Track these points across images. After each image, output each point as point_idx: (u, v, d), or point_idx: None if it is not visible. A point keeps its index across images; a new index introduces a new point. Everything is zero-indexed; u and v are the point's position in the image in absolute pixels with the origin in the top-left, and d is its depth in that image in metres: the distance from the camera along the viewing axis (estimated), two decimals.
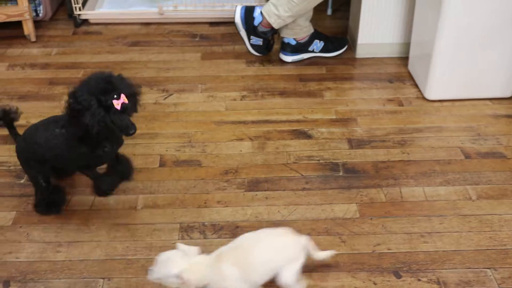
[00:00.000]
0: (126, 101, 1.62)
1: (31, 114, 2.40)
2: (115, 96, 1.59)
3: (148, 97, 2.51)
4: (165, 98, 2.52)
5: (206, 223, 1.86)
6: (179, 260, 1.45)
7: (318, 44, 2.75)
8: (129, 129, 1.63)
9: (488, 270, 1.66)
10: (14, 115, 1.83)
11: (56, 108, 2.45)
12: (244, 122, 2.34)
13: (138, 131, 2.24)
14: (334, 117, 2.35)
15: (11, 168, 2.09)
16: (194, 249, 1.50)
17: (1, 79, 2.66)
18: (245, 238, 1.56)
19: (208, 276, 1.46)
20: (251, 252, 1.51)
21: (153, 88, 2.59)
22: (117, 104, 1.59)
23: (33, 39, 2.98)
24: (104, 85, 1.59)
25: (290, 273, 1.51)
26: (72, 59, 2.85)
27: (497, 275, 1.64)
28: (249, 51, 2.81)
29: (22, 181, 2.03)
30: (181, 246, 1.49)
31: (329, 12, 3.21)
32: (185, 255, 1.47)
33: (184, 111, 2.43)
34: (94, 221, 1.87)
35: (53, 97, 2.54)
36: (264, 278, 1.51)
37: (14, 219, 1.87)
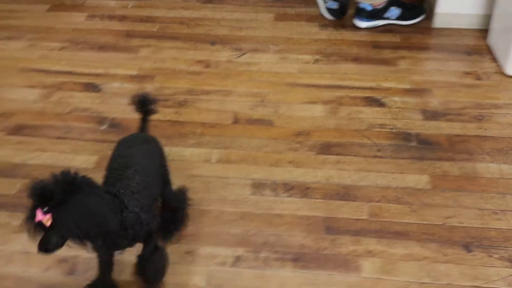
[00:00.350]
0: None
1: (109, 64, 2.49)
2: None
3: (221, 55, 2.55)
4: (238, 56, 2.55)
5: (277, 182, 1.90)
6: None
7: (394, 11, 2.71)
8: None
9: None
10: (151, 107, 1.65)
11: (133, 59, 2.53)
12: (317, 86, 2.34)
13: (212, 87, 2.33)
14: (408, 86, 2.33)
15: (93, 114, 2.18)
16: None
17: (81, 29, 2.75)
18: None
19: None
20: None
21: (226, 46, 2.62)
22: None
23: None
24: None
25: None
26: (147, 12, 2.90)
27: None
28: (322, 15, 2.80)
29: (104, 127, 2.12)
30: None
31: None
32: None
33: (257, 71, 2.45)
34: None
35: (130, 49, 2.61)
36: None
37: (96, 163, 1.96)
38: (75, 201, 1.19)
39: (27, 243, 1.64)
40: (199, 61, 2.52)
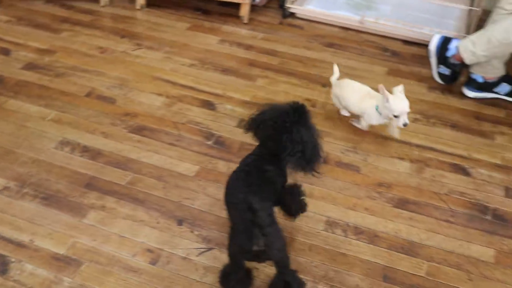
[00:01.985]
0: None
1: (228, 87, 2.79)
2: None
3: (329, 97, 2.76)
4: None
5: (350, 224, 2.07)
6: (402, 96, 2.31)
7: (505, 87, 2.77)
8: None
9: None
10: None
11: (249, 87, 2.81)
12: (410, 144, 2.48)
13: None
14: (499, 162, 2.40)
15: (203, 129, 2.49)
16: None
17: (212, 51, 3.09)
18: None
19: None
20: None
21: None
22: None
23: (245, 21, 3.37)
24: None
25: None
26: (273, 46, 3.19)
27: None
28: (433, 77, 2.92)
29: (209, 142, 2.41)
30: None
31: None
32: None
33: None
34: None
35: (249, 76, 2.90)
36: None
37: (196, 172, 2.25)
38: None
39: (124, 228, 1.97)
40: (307, 99, 2.75)
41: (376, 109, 2.39)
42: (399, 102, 2.29)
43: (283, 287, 1.73)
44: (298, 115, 1.68)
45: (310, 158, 1.68)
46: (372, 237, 2.02)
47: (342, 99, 2.54)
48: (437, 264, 1.93)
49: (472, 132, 2.58)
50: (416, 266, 1.92)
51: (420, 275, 1.89)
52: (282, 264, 1.70)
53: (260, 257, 1.76)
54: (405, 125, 2.29)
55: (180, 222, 2.03)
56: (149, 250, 1.92)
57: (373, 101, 2.41)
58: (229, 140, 2.42)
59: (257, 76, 2.90)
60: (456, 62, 2.76)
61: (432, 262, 1.93)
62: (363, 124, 2.51)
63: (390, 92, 2.35)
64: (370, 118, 2.45)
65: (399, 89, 2.33)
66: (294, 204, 1.93)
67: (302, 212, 1.97)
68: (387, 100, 2.30)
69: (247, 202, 1.59)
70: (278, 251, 1.66)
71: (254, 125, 1.75)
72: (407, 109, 2.28)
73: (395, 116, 2.30)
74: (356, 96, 2.48)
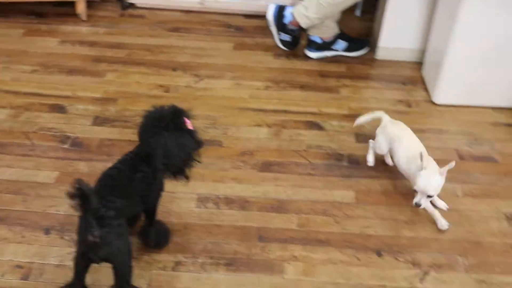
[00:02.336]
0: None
1: (76, 87, 2.71)
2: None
3: (181, 80, 2.79)
4: (196, 82, 2.79)
5: (220, 196, 2.13)
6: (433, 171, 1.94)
7: (341, 44, 2.97)
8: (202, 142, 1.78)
9: (459, 257, 1.89)
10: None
11: (99, 83, 2.75)
12: (264, 110, 2.59)
13: None
14: (346, 112, 2.58)
15: (56, 134, 2.40)
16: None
17: (53, 53, 2.97)
18: None
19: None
20: None
21: (187, 72, 2.86)
22: (189, 125, 1.73)
23: (84, 18, 3.28)
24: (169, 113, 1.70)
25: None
26: (117, 39, 3.13)
27: (466, 262, 1.87)
28: (277, 45, 3.05)
29: (66, 146, 2.34)
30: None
31: (357, 13, 3.41)
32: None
33: (211, 95, 2.69)
34: None
35: (97, 73, 2.83)
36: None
37: (56, 178, 2.17)
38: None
39: None
40: (160, 86, 2.75)
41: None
42: (426, 180, 1.91)
43: None
44: (170, 119, 1.66)
45: (176, 166, 1.68)
46: (243, 204, 2.09)
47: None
48: (306, 215, 2.05)
49: (320, 89, 2.74)
50: (287, 221, 2.02)
51: (292, 228, 2.00)
52: (121, 272, 1.61)
53: (95, 252, 1.55)
54: (416, 204, 1.94)
55: (47, 231, 1.96)
56: (19, 266, 1.83)
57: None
58: (87, 140, 2.36)
59: (105, 71, 2.84)
60: (294, 27, 2.91)
61: (301, 214, 2.05)
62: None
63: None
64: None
65: (446, 167, 1.92)
66: (155, 238, 1.89)
67: (158, 248, 1.91)
68: (420, 170, 1.95)
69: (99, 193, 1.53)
70: (117, 252, 1.57)
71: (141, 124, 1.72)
72: (429, 192, 1.92)
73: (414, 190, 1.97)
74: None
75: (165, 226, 1.94)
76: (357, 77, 2.84)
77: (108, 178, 1.67)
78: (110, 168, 1.71)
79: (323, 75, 2.86)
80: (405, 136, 2.14)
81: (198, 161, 1.75)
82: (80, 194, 1.44)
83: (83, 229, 1.53)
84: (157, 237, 1.89)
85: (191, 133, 1.72)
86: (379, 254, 1.90)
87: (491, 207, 2.09)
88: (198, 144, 1.75)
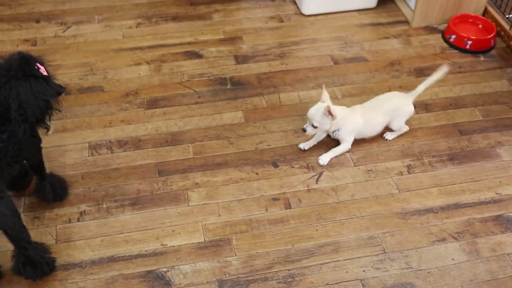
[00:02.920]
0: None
1: None
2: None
3: (47, 31, 2.65)
4: (64, 31, 2.66)
5: (112, 140, 2.11)
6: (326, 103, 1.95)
7: None
8: (62, 88, 1.68)
9: (347, 153, 2.04)
10: None
11: None
12: (141, 48, 2.55)
13: None
14: (222, 37, 2.60)
15: None
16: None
17: None
18: (374, 100, 2.08)
19: (343, 119, 1.98)
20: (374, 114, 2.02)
21: (52, 21, 2.72)
22: (43, 71, 1.61)
23: None
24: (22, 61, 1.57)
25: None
26: None
27: (353, 156, 2.03)
28: None
29: None
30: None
31: None
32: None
33: (83, 41, 2.59)
34: None
35: None
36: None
37: None
38: None
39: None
40: (26, 40, 2.60)
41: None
42: (315, 110, 1.97)
43: (30, 268, 1.62)
44: (18, 67, 1.54)
45: (35, 116, 1.58)
46: (137, 143, 2.10)
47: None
48: (200, 142, 2.09)
49: (192, 18, 2.73)
50: (183, 152, 2.06)
51: (190, 157, 2.04)
52: (14, 235, 1.57)
53: None
54: (303, 130, 1.99)
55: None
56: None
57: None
58: None
59: None
60: None
61: (195, 143, 2.09)
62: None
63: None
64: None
65: (332, 111, 1.94)
66: (51, 192, 1.85)
67: (59, 200, 1.89)
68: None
69: None
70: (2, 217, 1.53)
71: None
72: (313, 121, 1.96)
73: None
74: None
75: (59, 177, 1.90)
76: (227, 0, 2.84)
77: None
78: None
79: (192, 3, 2.84)
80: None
81: (58, 110, 1.66)
82: None
83: None
84: (53, 190, 1.85)
85: (46, 80, 1.60)
86: (275, 165, 2.00)
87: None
88: (57, 91, 1.64)
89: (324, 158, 2.02)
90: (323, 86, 2.06)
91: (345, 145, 2.03)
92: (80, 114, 2.22)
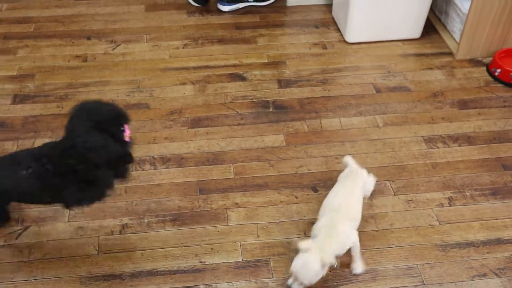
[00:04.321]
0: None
1: None
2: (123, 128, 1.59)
3: (97, 48, 2.74)
4: (114, 48, 2.75)
5: (155, 156, 2.16)
6: (313, 257, 1.57)
7: None
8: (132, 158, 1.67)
9: (387, 182, 2.04)
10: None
11: (12, 61, 2.66)
12: (187, 68, 2.61)
13: (91, 80, 2.54)
14: (266, 61, 2.65)
15: None
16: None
17: None
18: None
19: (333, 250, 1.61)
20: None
21: (102, 39, 2.81)
22: (127, 136, 1.61)
23: None
24: (109, 115, 1.56)
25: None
26: (22, 13, 3.02)
27: (393, 185, 2.03)
28: (189, 2, 3.05)
29: None
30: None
31: None
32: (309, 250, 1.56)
33: (131, 60, 2.67)
34: None
35: (8, 50, 2.73)
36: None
37: None
38: None
39: None
40: (77, 56, 2.70)
41: None
42: (303, 264, 1.59)
43: None
44: (111, 124, 1.55)
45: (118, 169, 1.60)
46: (179, 161, 2.14)
47: None
48: (241, 163, 2.13)
49: (237, 41, 2.79)
50: (224, 172, 2.09)
51: (230, 177, 2.07)
52: None
53: None
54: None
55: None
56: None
57: None
58: (9, 119, 2.31)
59: (16, 48, 2.75)
60: None
61: (237, 163, 2.12)
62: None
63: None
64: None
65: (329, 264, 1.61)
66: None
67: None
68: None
69: None
70: None
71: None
72: (296, 272, 1.60)
73: None
74: None
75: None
76: (271, 25, 2.90)
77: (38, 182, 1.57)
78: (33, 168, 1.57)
79: (238, 27, 2.90)
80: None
81: (124, 177, 1.66)
82: None
83: None
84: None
85: (125, 145, 1.61)
86: (314, 190, 2.02)
87: (410, 133, 2.25)
88: (129, 157, 1.65)
89: (358, 267, 1.73)
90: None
91: (355, 243, 1.70)
92: (133, 129, 2.28)
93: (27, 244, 1.84)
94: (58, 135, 2.21)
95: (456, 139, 2.20)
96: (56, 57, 2.69)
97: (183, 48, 2.75)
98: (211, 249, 1.83)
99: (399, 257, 1.80)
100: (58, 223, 1.91)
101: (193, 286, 1.72)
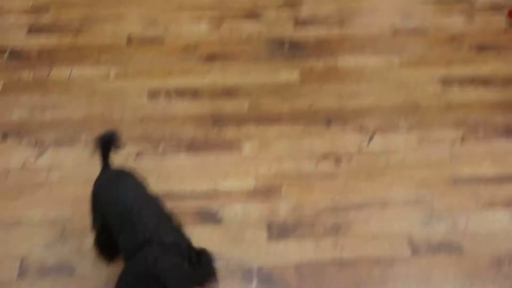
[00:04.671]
0: None
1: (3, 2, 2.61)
2: None
3: None
4: None
5: (170, 88, 2.17)
6: None
7: None
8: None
9: (400, 119, 2.05)
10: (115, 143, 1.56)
11: None
12: (202, 6, 2.58)
13: (107, 12, 2.52)
14: (281, 1, 2.62)
15: None
16: None
17: None
18: None
19: None
20: None
21: None
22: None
23: None
24: None
25: None
26: None
27: (407, 123, 2.03)
28: None
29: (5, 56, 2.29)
30: None
31: None
32: None
33: None
34: (73, 89, 2.17)
35: None
36: None
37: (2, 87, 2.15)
38: None
39: None
40: None
41: None
42: None
43: None
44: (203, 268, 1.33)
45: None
46: (194, 93, 2.15)
47: None
48: (255, 97, 2.13)
49: None
50: (238, 105, 2.11)
51: (244, 110, 2.09)
52: None
53: None
54: None
55: (4, 137, 1.97)
56: None
57: None
58: (24, 49, 2.33)
59: None
60: None
61: (251, 97, 2.13)
62: None
63: None
64: None
65: None
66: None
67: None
68: None
69: None
70: None
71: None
72: None
73: None
74: None
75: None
76: None
77: None
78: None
79: None
80: None
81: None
82: None
83: None
84: None
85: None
86: (328, 125, 2.03)
87: (425, 74, 2.23)
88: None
89: None
90: None
91: None
92: (142, 63, 2.29)
93: None
94: (73, 64, 2.25)
95: (472, 80, 2.19)
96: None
97: None
98: (225, 176, 1.85)
99: (409, 188, 1.82)
100: None
101: (208, 206, 1.76)
